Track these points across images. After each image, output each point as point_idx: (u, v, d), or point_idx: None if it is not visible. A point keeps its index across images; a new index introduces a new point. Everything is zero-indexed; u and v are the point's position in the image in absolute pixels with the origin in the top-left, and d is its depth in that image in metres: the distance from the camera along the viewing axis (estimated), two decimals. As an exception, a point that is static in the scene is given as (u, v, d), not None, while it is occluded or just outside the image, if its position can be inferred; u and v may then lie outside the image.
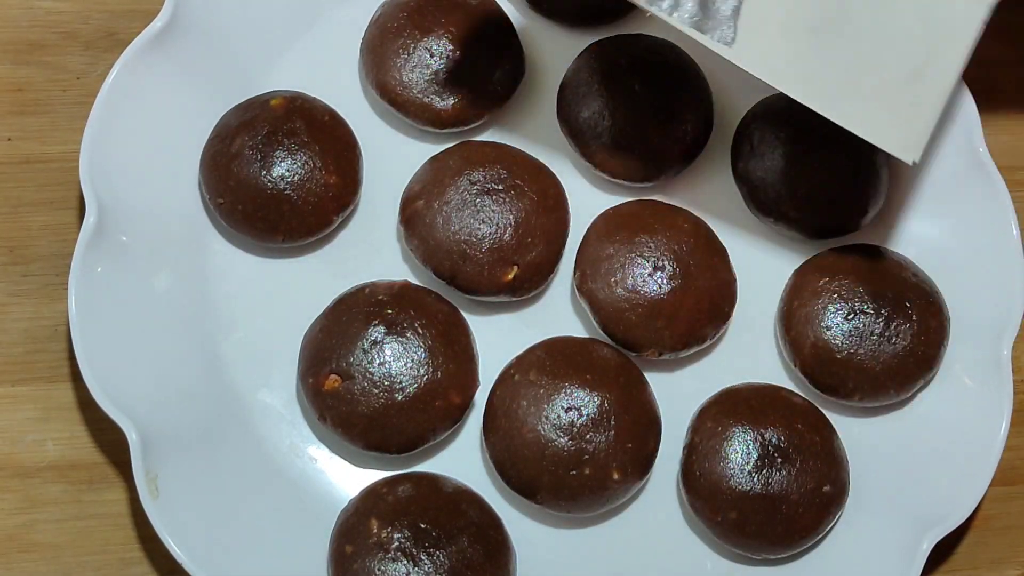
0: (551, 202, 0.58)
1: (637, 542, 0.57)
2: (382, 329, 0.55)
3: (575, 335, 0.58)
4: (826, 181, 0.59)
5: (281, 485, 0.56)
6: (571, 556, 0.57)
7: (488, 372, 0.57)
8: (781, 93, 0.61)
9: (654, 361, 0.58)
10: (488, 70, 0.60)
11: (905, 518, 0.56)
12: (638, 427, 0.55)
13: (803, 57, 0.38)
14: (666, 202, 0.60)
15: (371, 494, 0.54)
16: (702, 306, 0.57)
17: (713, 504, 0.55)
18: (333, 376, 0.55)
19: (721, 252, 0.59)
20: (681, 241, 0.58)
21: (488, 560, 0.53)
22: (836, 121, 0.40)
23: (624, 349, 0.57)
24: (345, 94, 0.61)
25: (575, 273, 0.58)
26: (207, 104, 0.59)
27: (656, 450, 0.56)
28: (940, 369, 0.58)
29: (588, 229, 0.59)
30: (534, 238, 0.57)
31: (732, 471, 0.55)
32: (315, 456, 0.57)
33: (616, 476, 0.55)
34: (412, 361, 0.55)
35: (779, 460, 0.55)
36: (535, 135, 0.62)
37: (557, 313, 0.60)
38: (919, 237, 0.61)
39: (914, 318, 0.57)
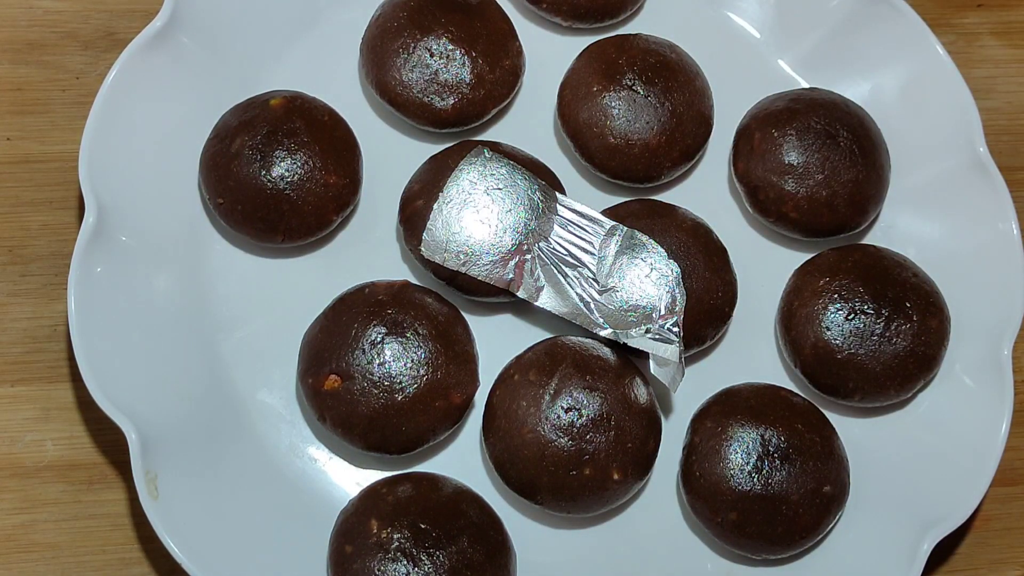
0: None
1: (637, 542, 0.57)
2: (382, 329, 0.55)
3: (575, 335, 0.58)
4: (826, 181, 0.59)
5: (281, 485, 0.56)
6: (571, 556, 0.57)
7: (488, 372, 0.57)
8: (781, 93, 0.62)
9: (654, 361, 0.58)
10: (488, 70, 0.60)
11: (905, 518, 0.56)
12: (638, 427, 0.55)
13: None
14: (666, 202, 0.60)
15: (371, 494, 0.54)
16: (702, 306, 0.57)
17: (713, 504, 0.55)
18: (333, 376, 0.55)
19: (721, 252, 0.59)
20: (681, 241, 0.58)
21: (488, 560, 0.53)
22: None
23: (624, 349, 0.57)
24: (345, 94, 0.61)
25: (575, 273, 0.58)
26: (207, 104, 0.59)
27: (656, 450, 0.56)
28: (940, 369, 0.58)
29: (588, 229, 0.59)
30: (534, 238, 0.57)
31: (732, 471, 0.55)
32: (315, 456, 0.57)
33: (616, 476, 0.54)
34: (412, 361, 0.55)
35: (779, 460, 0.55)
36: (535, 135, 0.62)
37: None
38: (919, 237, 0.61)
39: (914, 318, 0.57)
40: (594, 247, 0.57)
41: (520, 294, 0.56)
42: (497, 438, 0.55)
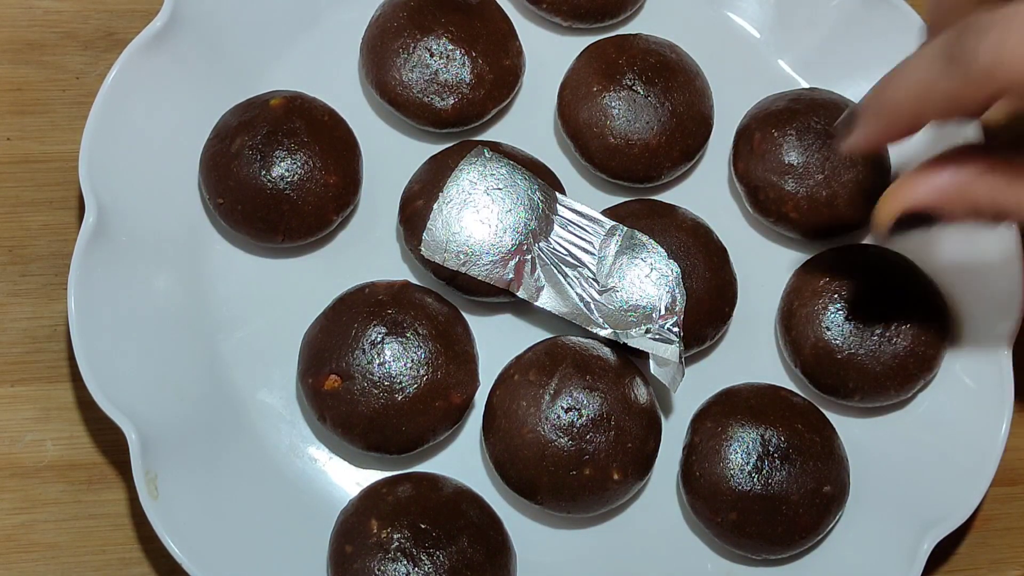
0: (551, 202, 0.58)
1: (637, 542, 0.57)
2: (382, 329, 0.55)
3: (575, 335, 0.58)
4: (826, 181, 0.59)
5: (281, 485, 0.56)
6: (571, 556, 0.57)
7: (488, 372, 0.57)
8: (781, 93, 0.62)
9: (654, 361, 0.58)
10: (488, 70, 0.60)
11: (905, 518, 0.56)
12: (638, 427, 0.55)
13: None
14: (666, 202, 0.60)
15: (371, 494, 0.54)
16: (702, 306, 0.57)
17: (713, 504, 0.55)
18: (333, 376, 0.55)
19: (721, 252, 0.59)
20: (681, 241, 0.58)
21: (488, 560, 0.53)
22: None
23: (624, 349, 0.57)
24: (345, 94, 0.61)
25: (575, 273, 0.58)
26: (207, 104, 0.59)
27: (656, 450, 0.56)
28: (940, 369, 0.58)
29: (588, 229, 0.59)
30: (534, 238, 0.57)
31: (732, 471, 0.55)
32: (315, 456, 0.57)
33: (616, 476, 0.54)
34: (412, 361, 0.55)
35: (779, 460, 0.55)
36: (535, 135, 0.62)
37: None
38: (919, 237, 0.61)
39: (914, 318, 0.57)
40: (594, 247, 0.57)
41: (520, 294, 0.56)
42: (497, 438, 0.55)
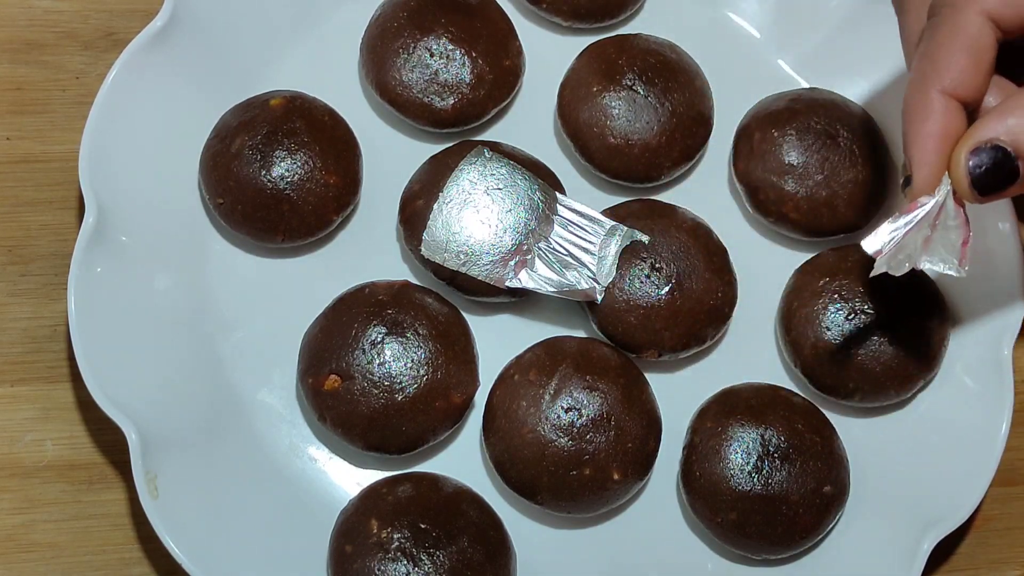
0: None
1: (637, 542, 0.57)
2: (382, 329, 0.55)
3: (575, 335, 0.58)
4: (826, 181, 0.59)
5: (281, 485, 0.56)
6: (571, 556, 0.57)
7: (488, 372, 0.57)
8: (781, 93, 0.62)
9: (654, 361, 0.58)
10: (488, 70, 0.60)
11: (905, 518, 0.56)
12: (638, 427, 0.55)
13: None
14: (666, 202, 0.60)
15: (371, 494, 0.54)
16: (702, 306, 0.57)
17: (713, 505, 0.55)
18: (333, 376, 0.55)
19: (721, 252, 0.59)
20: (681, 241, 0.58)
21: (488, 560, 0.53)
22: None
23: (624, 350, 0.57)
24: (345, 94, 0.61)
25: (575, 273, 0.58)
26: (207, 104, 0.59)
27: (656, 450, 0.56)
28: (940, 369, 0.58)
29: (588, 229, 0.59)
30: (534, 238, 0.57)
31: (732, 471, 0.55)
32: (315, 456, 0.57)
33: (616, 476, 0.55)
34: (412, 361, 0.55)
35: (779, 460, 0.55)
36: (535, 135, 0.62)
37: (557, 313, 0.60)
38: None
39: (914, 318, 0.57)
40: (594, 247, 0.57)
41: (520, 279, 0.55)
42: (497, 438, 0.55)
